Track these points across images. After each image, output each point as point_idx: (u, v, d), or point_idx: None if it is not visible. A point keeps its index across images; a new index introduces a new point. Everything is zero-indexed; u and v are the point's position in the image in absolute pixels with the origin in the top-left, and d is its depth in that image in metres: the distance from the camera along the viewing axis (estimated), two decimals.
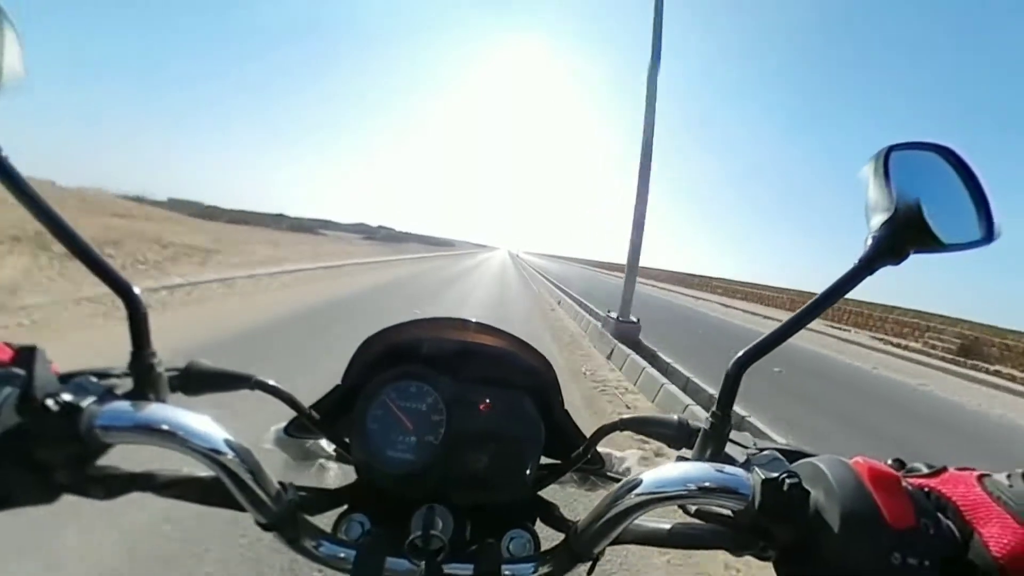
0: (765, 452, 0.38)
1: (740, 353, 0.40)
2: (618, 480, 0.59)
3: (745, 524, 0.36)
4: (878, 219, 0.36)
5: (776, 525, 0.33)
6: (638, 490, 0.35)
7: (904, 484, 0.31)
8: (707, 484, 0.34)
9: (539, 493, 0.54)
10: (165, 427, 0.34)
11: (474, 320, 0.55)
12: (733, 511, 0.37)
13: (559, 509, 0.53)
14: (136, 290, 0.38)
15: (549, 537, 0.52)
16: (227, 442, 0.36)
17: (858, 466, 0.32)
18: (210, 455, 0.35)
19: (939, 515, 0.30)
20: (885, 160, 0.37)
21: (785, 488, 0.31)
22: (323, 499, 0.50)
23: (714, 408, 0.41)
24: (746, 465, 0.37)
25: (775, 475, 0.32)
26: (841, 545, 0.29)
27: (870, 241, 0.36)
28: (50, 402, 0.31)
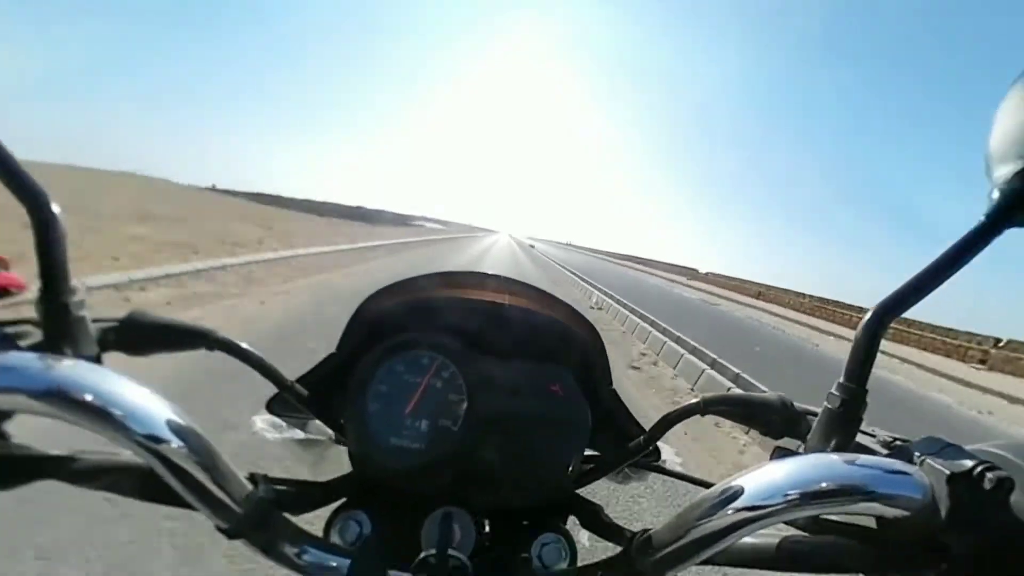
0: (924, 439, 0.28)
1: (869, 313, 0.30)
2: (675, 476, 0.49)
3: (904, 537, 0.27)
4: (1011, 162, 0.28)
5: (961, 535, 0.24)
6: (739, 503, 0.25)
7: None
8: (854, 484, 0.24)
9: (578, 491, 0.44)
10: (78, 394, 0.24)
11: (502, 276, 0.44)
12: (884, 520, 0.27)
13: (604, 512, 0.43)
14: (54, 206, 0.28)
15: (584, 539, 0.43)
16: (171, 424, 0.26)
17: None
18: (144, 443, 0.25)
19: None
20: None
21: (987, 485, 0.23)
22: (312, 493, 0.40)
23: (841, 379, 0.30)
24: (901, 454, 0.27)
25: (968, 466, 0.24)
26: None
27: (996, 194, 0.28)
28: None
